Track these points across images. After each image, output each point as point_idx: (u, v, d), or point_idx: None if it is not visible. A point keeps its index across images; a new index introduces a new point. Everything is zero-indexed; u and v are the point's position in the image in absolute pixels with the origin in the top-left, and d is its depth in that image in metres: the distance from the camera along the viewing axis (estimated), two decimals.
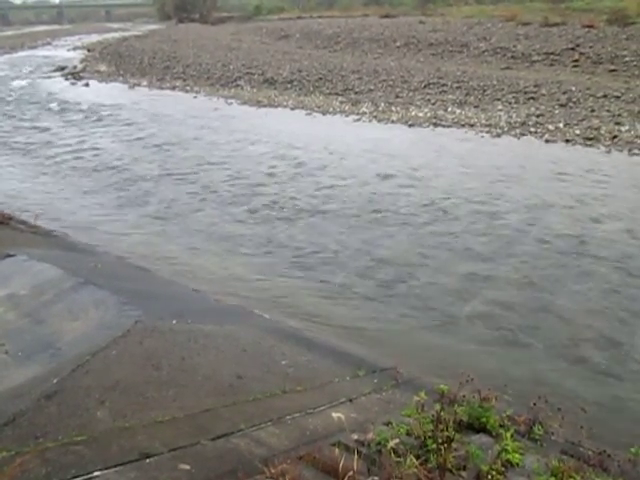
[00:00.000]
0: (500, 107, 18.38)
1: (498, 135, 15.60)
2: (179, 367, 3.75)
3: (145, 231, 9.42)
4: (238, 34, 43.99)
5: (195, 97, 23.67)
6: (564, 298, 6.94)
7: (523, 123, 16.43)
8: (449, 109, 18.61)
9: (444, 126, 16.87)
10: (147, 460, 2.60)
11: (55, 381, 3.34)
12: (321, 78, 24.14)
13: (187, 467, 2.48)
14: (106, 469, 2.50)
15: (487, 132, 15.90)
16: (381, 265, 7.93)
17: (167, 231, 9.39)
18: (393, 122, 17.63)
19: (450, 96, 20.13)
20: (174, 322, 4.52)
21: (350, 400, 3.90)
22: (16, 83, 29.44)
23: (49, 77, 31.33)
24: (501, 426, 3.65)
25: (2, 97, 25.29)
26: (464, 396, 3.79)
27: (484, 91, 20.26)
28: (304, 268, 7.87)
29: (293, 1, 67.75)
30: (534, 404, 3.81)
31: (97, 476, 2.46)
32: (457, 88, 20.94)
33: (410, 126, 17.06)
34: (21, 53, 47.21)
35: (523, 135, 15.47)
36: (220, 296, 6.49)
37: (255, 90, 23.76)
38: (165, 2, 73.55)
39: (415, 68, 25.17)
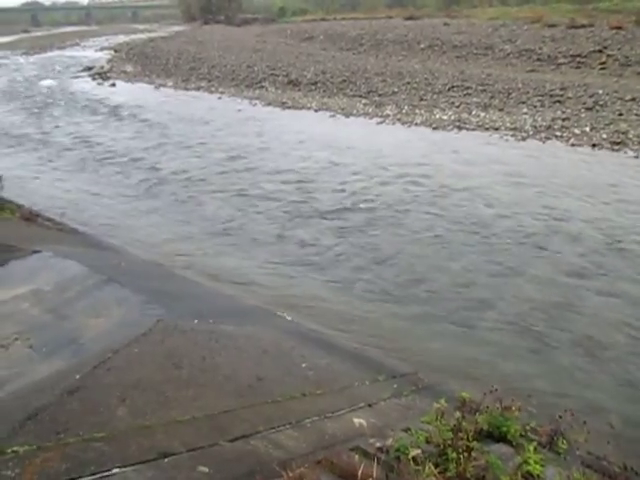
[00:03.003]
0: (525, 110, 18.13)
1: (523, 139, 15.38)
2: (199, 367, 3.76)
3: (170, 231, 9.48)
4: (263, 36, 44.22)
5: (219, 98, 23.84)
6: (596, 307, 6.79)
7: (548, 127, 16.18)
8: (473, 112, 18.42)
9: (468, 129, 16.70)
10: (166, 459, 2.61)
11: (77, 377, 3.38)
12: (345, 80, 24.12)
13: (205, 469, 2.48)
14: (125, 467, 2.51)
15: (512, 136, 15.69)
16: (403, 268, 7.87)
17: (192, 232, 9.42)
18: (417, 125, 17.51)
19: (474, 99, 19.93)
20: (195, 321, 4.55)
21: (369, 405, 3.88)
22: (45, 83, 30.03)
23: (77, 77, 31.88)
24: (522, 436, 3.58)
25: (31, 96, 25.82)
26: (488, 408, 3.72)
27: (509, 94, 20.01)
28: (326, 270, 7.85)
29: (317, 3, 67.91)
30: (559, 416, 3.73)
31: (116, 473, 2.47)
32: (482, 91, 20.72)
33: (434, 129, 16.93)
34: (50, 53, 48.11)
35: (548, 139, 15.23)
36: (242, 296, 6.51)
37: (279, 91, 23.85)
38: (191, 4, 74.38)
39: (439, 70, 24.99)
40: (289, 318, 5.88)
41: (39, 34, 76.86)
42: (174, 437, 2.80)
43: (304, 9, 64.33)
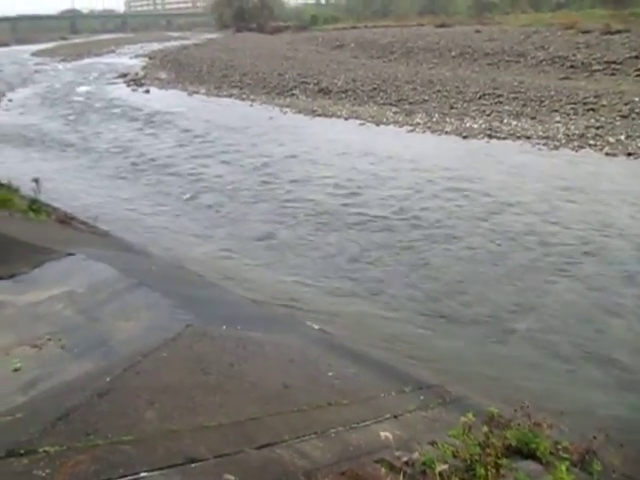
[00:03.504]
0: (558, 119, 17.85)
1: (555, 147, 15.14)
2: (227, 373, 3.78)
3: (204, 238, 9.60)
4: (294, 43, 44.59)
5: (251, 105, 24.10)
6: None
7: (582, 135, 15.88)
8: (504, 120, 18.22)
9: (499, 138, 16.52)
10: (192, 465, 2.62)
11: (107, 380, 3.42)
12: (375, 88, 24.13)
13: (231, 477, 2.49)
14: (152, 471, 2.53)
15: (544, 144, 15.47)
16: (431, 280, 7.80)
17: (228, 240, 9.48)
18: (447, 133, 17.40)
19: (506, 107, 19.71)
20: (224, 328, 4.58)
21: (395, 416, 3.84)
22: (82, 89, 30.85)
23: (112, 83, 32.67)
24: (552, 454, 3.50)
25: (69, 102, 26.56)
26: (518, 424, 3.65)
27: (541, 102, 19.72)
28: (355, 279, 7.82)
29: (348, 11, 68.21)
30: (594, 437, 3.62)
31: (143, 477, 2.50)
32: (513, 99, 20.48)
33: (464, 138, 16.80)
34: (87, 60, 49.42)
35: (581, 148, 14.96)
36: (270, 303, 6.54)
37: (310, 99, 24.00)
38: (224, 12, 75.47)
39: (470, 78, 24.81)
40: (316, 327, 5.88)
41: (77, 41, 79.06)
42: (201, 443, 2.82)
43: (335, 17, 64.63)
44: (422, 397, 4.46)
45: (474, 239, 9.26)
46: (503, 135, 16.72)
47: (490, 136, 16.71)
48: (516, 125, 17.59)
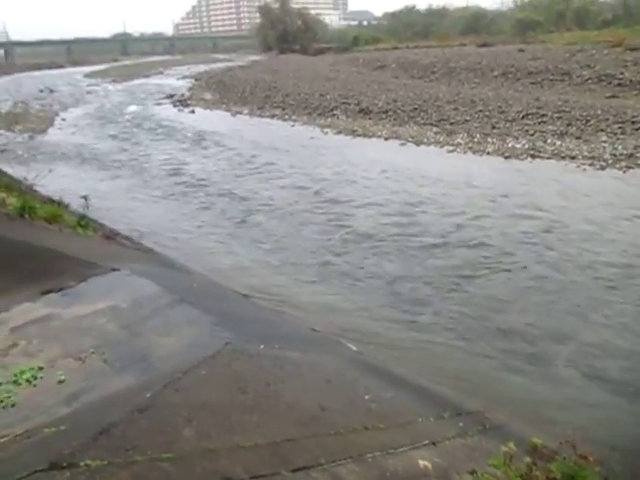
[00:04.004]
0: (604, 138, 17.38)
1: (602, 168, 14.73)
2: (264, 393, 3.79)
3: (248, 258, 9.66)
4: (336, 64, 45.12)
5: (293, 126, 24.43)
6: None
7: (630, 155, 15.40)
8: (548, 140, 17.88)
9: (543, 158, 16.21)
10: None
11: (147, 395, 3.48)
12: (416, 108, 24.10)
13: None
14: None
15: (589, 165, 15.07)
16: (473, 301, 7.65)
17: (273, 262, 9.48)
18: (489, 154, 17.19)
19: (550, 127, 19.34)
20: (262, 346, 4.59)
21: (433, 443, 3.75)
22: (131, 109, 32.01)
23: (159, 104, 33.75)
24: None
25: (118, 121, 27.57)
26: (564, 457, 3.50)
27: (587, 121, 19.26)
28: (402, 304, 7.73)
29: (390, 32, 68.78)
30: None
31: None
32: (557, 118, 20.08)
33: (506, 158, 16.55)
34: (136, 81, 51.30)
35: (630, 168, 14.48)
36: (308, 323, 6.54)
37: (350, 120, 24.14)
38: (268, 34, 77.19)
39: (513, 98, 24.49)
40: (355, 348, 5.84)
41: (127, 63, 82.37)
42: (237, 463, 2.82)
43: (377, 38, 65.25)
44: (461, 423, 4.35)
45: (539, 268, 8.75)
46: (547, 155, 16.40)
47: (533, 156, 16.41)
48: (560, 145, 17.22)
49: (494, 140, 18.54)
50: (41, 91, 44.31)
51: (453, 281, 8.40)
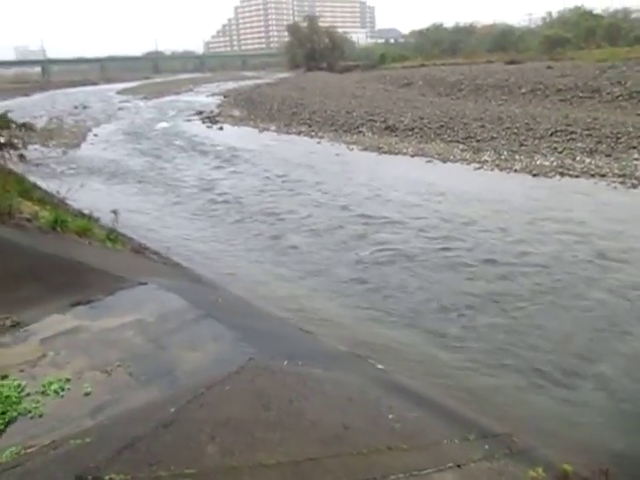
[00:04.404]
0: (636, 156, 17.05)
1: (633, 186, 14.43)
2: (287, 410, 3.78)
3: (275, 275, 9.65)
4: (362, 82, 45.40)
5: (319, 142, 24.60)
6: None
7: None
8: (577, 158, 17.61)
9: (571, 176, 15.96)
10: None
11: (172, 410, 3.51)
12: (442, 125, 24.04)
13: None
14: None
15: (620, 183, 14.78)
16: (499, 322, 7.53)
17: (299, 277, 9.46)
18: (516, 171, 17.02)
19: (579, 144, 19.06)
20: (285, 363, 4.60)
21: (458, 466, 3.68)
22: (161, 125, 32.72)
23: (189, 120, 34.41)
24: None
25: (148, 137, 28.19)
26: None
27: (617, 139, 18.92)
28: (421, 320, 7.65)
29: (417, 49, 69.01)
30: None
31: None
32: (587, 136, 19.78)
33: (534, 175, 16.35)
34: (167, 98, 52.45)
35: None
36: (331, 340, 6.51)
37: (376, 137, 24.20)
38: (296, 52, 78.26)
39: (541, 115, 24.25)
40: (380, 366, 5.79)
41: (158, 80, 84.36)
42: None
43: (404, 56, 65.51)
44: (487, 446, 4.25)
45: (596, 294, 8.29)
46: (576, 173, 16.13)
47: (562, 174, 16.17)
48: (590, 162, 16.94)
49: (522, 157, 18.35)
50: (75, 107, 45.69)
51: (489, 302, 8.19)
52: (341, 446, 3.47)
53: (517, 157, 18.47)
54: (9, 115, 10.06)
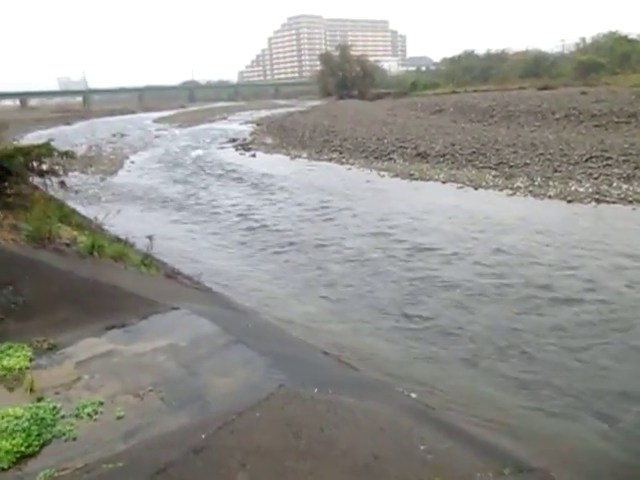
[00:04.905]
0: None
1: None
2: (317, 438, 3.75)
3: (311, 302, 9.60)
4: (393, 109, 45.68)
5: (349, 169, 24.74)
6: None
7: None
8: (614, 184, 17.24)
9: (608, 202, 15.61)
10: None
11: (203, 436, 3.52)
12: (474, 152, 23.92)
13: None
14: None
15: None
16: (536, 351, 7.33)
17: (339, 310, 9.30)
18: (550, 197, 16.73)
19: (615, 170, 18.67)
20: (315, 390, 4.57)
21: None
22: (195, 152, 33.49)
23: (222, 148, 35.13)
24: None
25: (183, 164, 28.87)
26: None
27: None
28: (455, 349, 7.51)
29: (448, 76, 69.23)
30: None
31: None
32: (624, 161, 19.38)
33: (569, 202, 16.06)
34: (202, 126, 53.74)
35: None
36: (363, 368, 6.45)
37: (407, 163, 24.20)
38: (328, 81, 79.56)
39: (576, 141, 23.91)
40: (414, 395, 5.69)
41: (194, 109, 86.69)
42: None
43: (435, 83, 65.82)
44: None
45: None
46: (612, 199, 15.77)
47: (598, 200, 15.82)
48: (627, 189, 16.56)
49: (556, 184, 18.05)
50: (113, 135, 47.22)
51: (540, 337, 7.81)
52: (371, 476, 3.41)
53: (551, 183, 18.18)
54: (52, 143, 10.42)
